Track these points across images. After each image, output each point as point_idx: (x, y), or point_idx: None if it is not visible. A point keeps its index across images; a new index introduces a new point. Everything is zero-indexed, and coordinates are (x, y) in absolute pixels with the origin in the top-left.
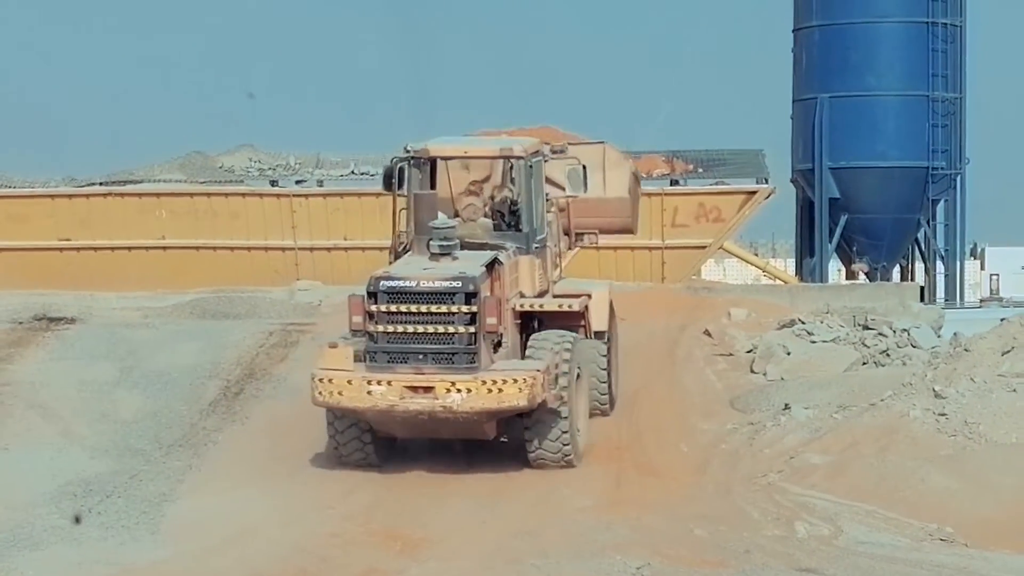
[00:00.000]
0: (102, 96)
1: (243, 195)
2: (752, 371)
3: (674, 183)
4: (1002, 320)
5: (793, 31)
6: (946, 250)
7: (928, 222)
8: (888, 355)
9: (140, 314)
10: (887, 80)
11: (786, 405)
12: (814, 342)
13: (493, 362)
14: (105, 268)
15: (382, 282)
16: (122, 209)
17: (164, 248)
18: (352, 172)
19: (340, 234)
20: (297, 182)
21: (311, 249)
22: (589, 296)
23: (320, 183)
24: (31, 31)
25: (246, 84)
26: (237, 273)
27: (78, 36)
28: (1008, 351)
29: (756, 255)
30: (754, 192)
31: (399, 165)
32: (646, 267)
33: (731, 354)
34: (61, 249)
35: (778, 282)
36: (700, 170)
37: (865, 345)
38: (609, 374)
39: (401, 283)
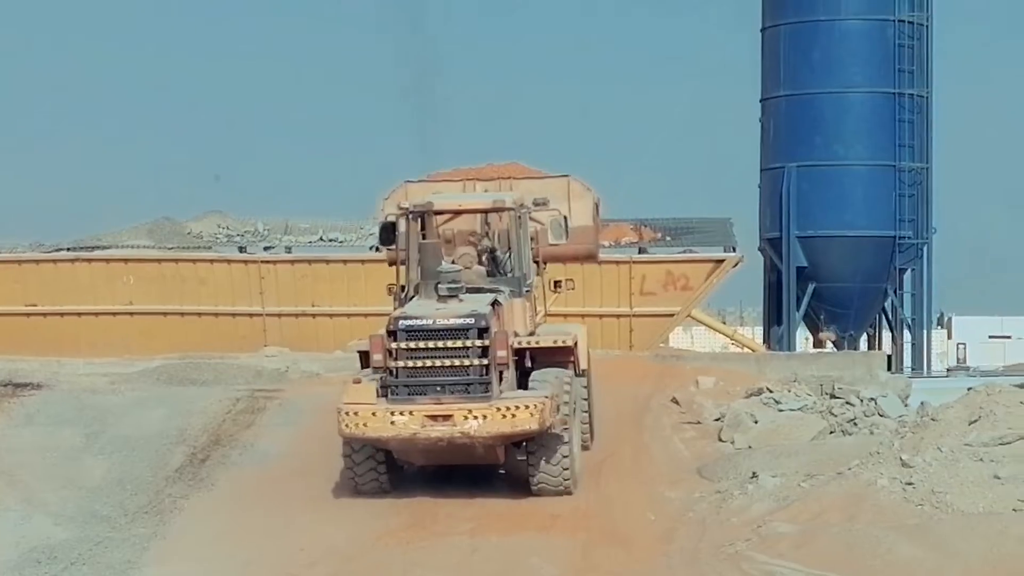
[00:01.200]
0: (70, 161)
1: (211, 261)
2: (720, 439)
3: (642, 251)
4: (969, 389)
5: (760, 100)
6: (913, 319)
7: (895, 291)
8: (855, 424)
9: (107, 380)
10: (854, 150)
11: (753, 473)
12: (781, 410)
13: (502, 392)
14: (72, 333)
15: (401, 321)
16: (89, 274)
17: (131, 314)
18: (320, 238)
19: (308, 300)
20: (265, 248)
21: (279, 315)
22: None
23: (288, 249)
24: None
25: (215, 150)
26: (204, 339)
27: (45, 100)
28: (975, 420)
29: (724, 323)
30: (722, 260)
31: (398, 218)
32: (614, 335)
33: (699, 422)
34: (28, 314)
35: (746, 350)
36: (668, 238)
37: (832, 414)
38: (590, 409)
39: (419, 322)
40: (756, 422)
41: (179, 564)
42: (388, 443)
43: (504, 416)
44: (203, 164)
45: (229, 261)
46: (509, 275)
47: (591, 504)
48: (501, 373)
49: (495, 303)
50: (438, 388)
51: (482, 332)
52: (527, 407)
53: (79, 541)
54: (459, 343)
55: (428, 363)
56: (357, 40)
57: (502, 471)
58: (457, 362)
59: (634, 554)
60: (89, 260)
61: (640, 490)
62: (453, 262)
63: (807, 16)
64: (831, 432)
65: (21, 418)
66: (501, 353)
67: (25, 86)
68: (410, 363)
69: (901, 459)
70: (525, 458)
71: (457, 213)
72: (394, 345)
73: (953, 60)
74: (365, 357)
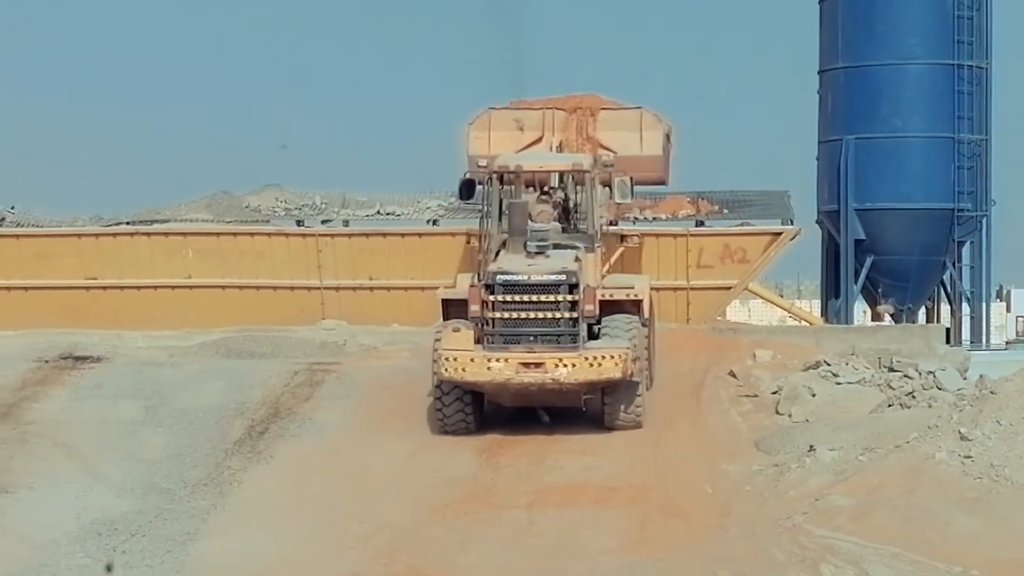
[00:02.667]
0: (129, 135)
1: (269, 235)
2: (777, 412)
3: (699, 224)
4: None
5: (818, 72)
6: (972, 292)
7: (954, 264)
8: (914, 397)
9: (166, 353)
10: (912, 122)
11: (811, 447)
12: (839, 384)
13: (586, 341)
14: (131, 307)
15: (498, 276)
16: (148, 248)
17: (190, 287)
18: (378, 212)
19: (365, 274)
20: (323, 222)
21: (336, 289)
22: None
23: (346, 223)
24: (60, 74)
25: (273, 124)
26: (263, 312)
27: (105, 77)
28: None
29: (781, 296)
30: (779, 233)
31: (482, 177)
32: (671, 308)
33: (756, 395)
34: (87, 288)
35: (803, 323)
36: (725, 211)
37: (891, 387)
38: (650, 355)
39: (515, 277)
40: (814, 395)
41: (238, 536)
42: (483, 387)
43: (592, 365)
44: (261, 138)
45: (287, 235)
46: (581, 231)
47: (648, 477)
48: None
49: (577, 259)
50: (531, 338)
51: (572, 287)
52: (612, 357)
53: (139, 513)
54: (552, 297)
55: (522, 315)
56: (417, 11)
57: (579, 408)
58: (549, 314)
59: (691, 527)
60: (148, 234)
61: (698, 463)
62: (531, 218)
63: None
64: (889, 405)
65: (82, 391)
66: (589, 307)
67: (86, 62)
68: (506, 314)
69: (960, 432)
70: (600, 399)
71: (539, 173)
72: (491, 297)
73: (1013, 30)
74: (448, 306)
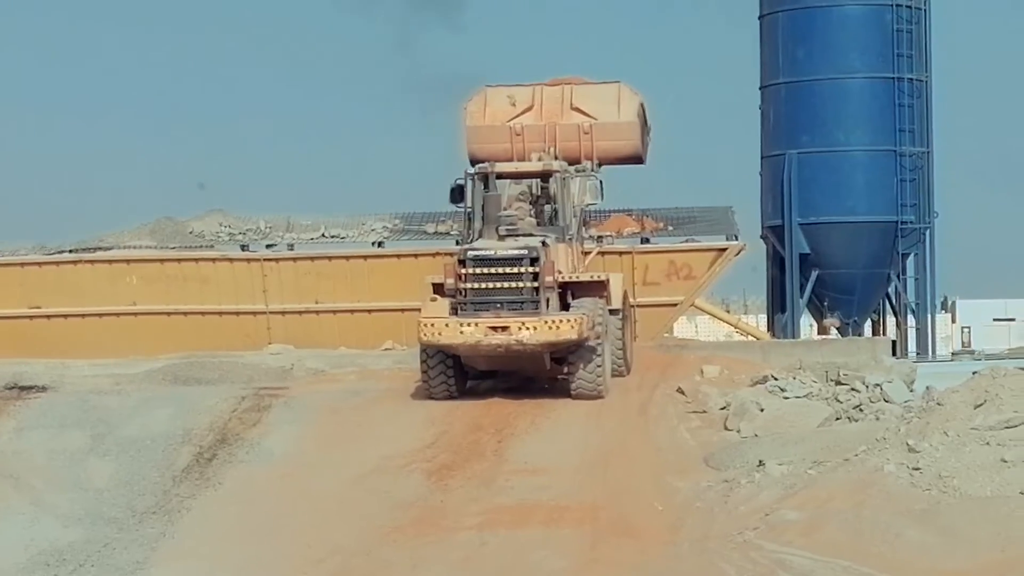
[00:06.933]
0: (71, 162)
1: (213, 260)
2: (726, 428)
3: (644, 241)
4: (974, 373)
5: (760, 88)
6: (917, 304)
7: (898, 276)
8: (861, 410)
9: (112, 381)
10: (855, 136)
11: (760, 462)
12: (787, 398)
13: (548, 311)
14: (76, 335)
15: (469, 252)
16: (92, 276)
17: (135, 314)
18: (323, 235)
19: (311, 297)
20: (268, 246)
21: (282, 313)
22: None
23: (291, 247)
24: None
25: (216, 148)
26: (209, 338)
27: (46, 102)
28: (981, 404)
29: (728, 312)
30: (724, 249)
31: (465, 181)
32: None
33: (704, 411)
34: (31, 317)
35: (750, 338)
36: (670, 228)
37: (838, 400)
38: (624, 344)
39: (484, 252)
40: (762, 410)
41: (187, 563)
42: (457, 349)
43: (550, 328)
44: (203, 163)
45: (231, 259)
46: (556, 225)
47: (599, 496)
48: (548, 298)
49: (544, 243)
50: (498, 305)
51: (534, 261)
52: (568, 321)
53: (87, 543)
54: (515, 269)
55: (490, 285)
56: (357, 31)
57: (544, 371)
58: (513, 285)
59: (642, 545)
60: (92, 261)
61: (647, 480)
62: (505, 208)
63: (805, 3)
64: (837, 419)
65: (27, 421)
66: (548, 279)
67: (25, 88)
68: (476, 285)
69: (907, 444)
70: (566, 369)
71: (514, 176)
72: (463, 271)
73: (952, 44)
74: (435, 289)
